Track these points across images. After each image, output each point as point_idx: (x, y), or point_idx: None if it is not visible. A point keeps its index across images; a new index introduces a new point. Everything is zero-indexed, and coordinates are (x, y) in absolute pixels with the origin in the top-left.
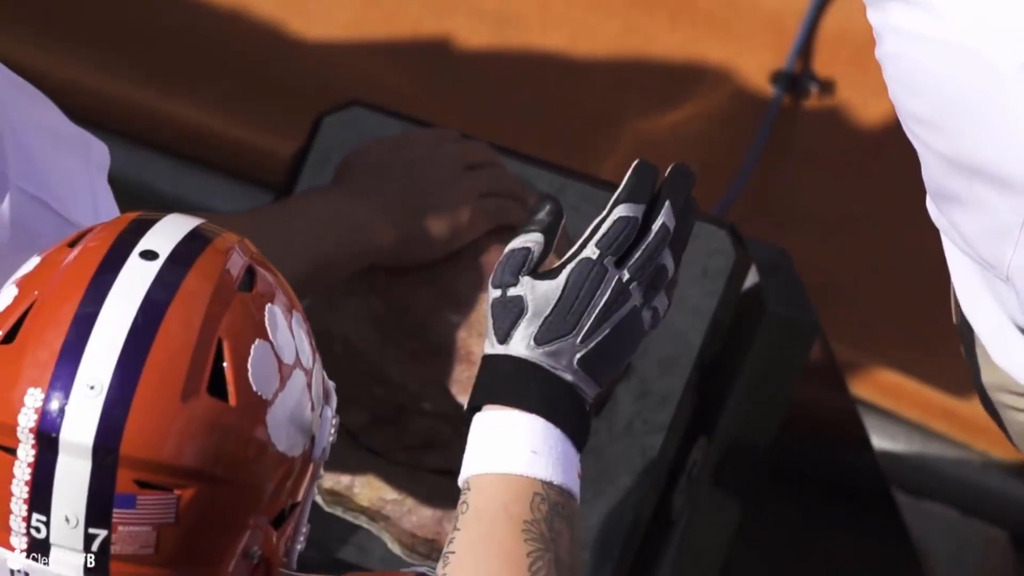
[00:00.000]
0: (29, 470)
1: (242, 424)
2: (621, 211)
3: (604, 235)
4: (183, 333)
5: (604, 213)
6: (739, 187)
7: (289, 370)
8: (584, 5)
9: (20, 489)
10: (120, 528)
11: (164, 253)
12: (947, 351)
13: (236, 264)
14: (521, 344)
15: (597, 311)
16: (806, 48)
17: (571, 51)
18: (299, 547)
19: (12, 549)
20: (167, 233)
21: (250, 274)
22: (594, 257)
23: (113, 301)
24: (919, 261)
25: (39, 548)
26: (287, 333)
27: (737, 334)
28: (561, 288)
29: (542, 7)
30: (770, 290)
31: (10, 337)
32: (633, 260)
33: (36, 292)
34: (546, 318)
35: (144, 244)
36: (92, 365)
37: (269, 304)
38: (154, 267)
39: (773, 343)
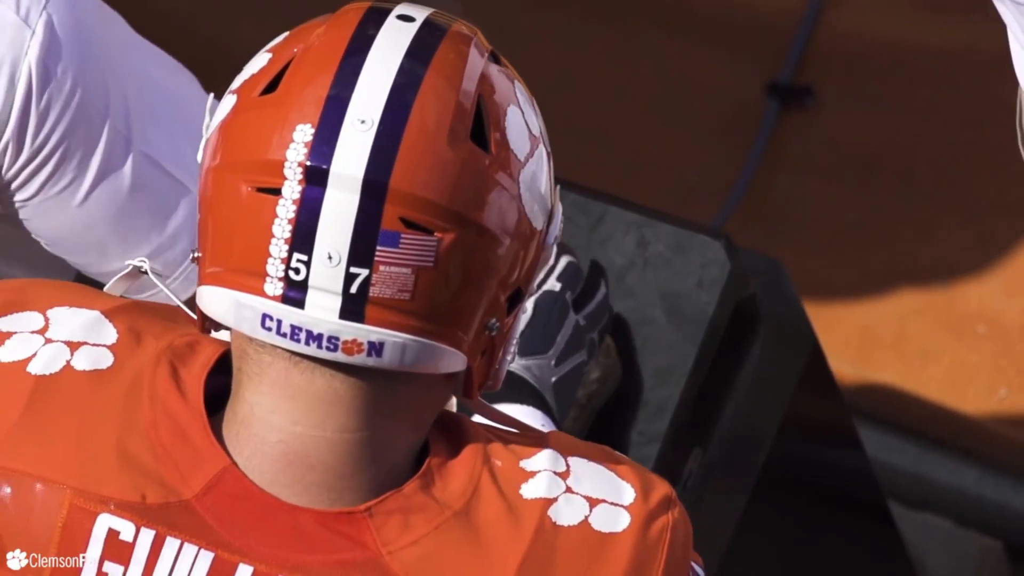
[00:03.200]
0: (294, 207)
1: (501, 176)
2: (568, 257)
3: (562, 271)
4: (447, 82)
5: (552, 261)
6: (736, 198)
7: (536, 142)
8: (579, 14)
9: (282, 229)
10: (381, 268)
11: (419, 19)
12: (942, 361)
13: (482, 42)
14: None
15: (566, 340)
16: (802, 59)
17: (566, 61)
18: (509, 359)
19: (266, 296)
20: (414, 8)
21: (494, 55)
22: (556, 290)
23: (378, 50)
24: (914, 270)
25: (296, 291)
26: (532, 111)
27: (732, 344)
28: (531, 311)
29: (537, 16)
30: (765, 300)
31: (272, 88)
32: (588, 308)
33: (295, 50)
34: (522, 333)
35: (398, 11)
36: (362, 102)
37: (517, 81)
38: (413, 26)
39: (768, 353)
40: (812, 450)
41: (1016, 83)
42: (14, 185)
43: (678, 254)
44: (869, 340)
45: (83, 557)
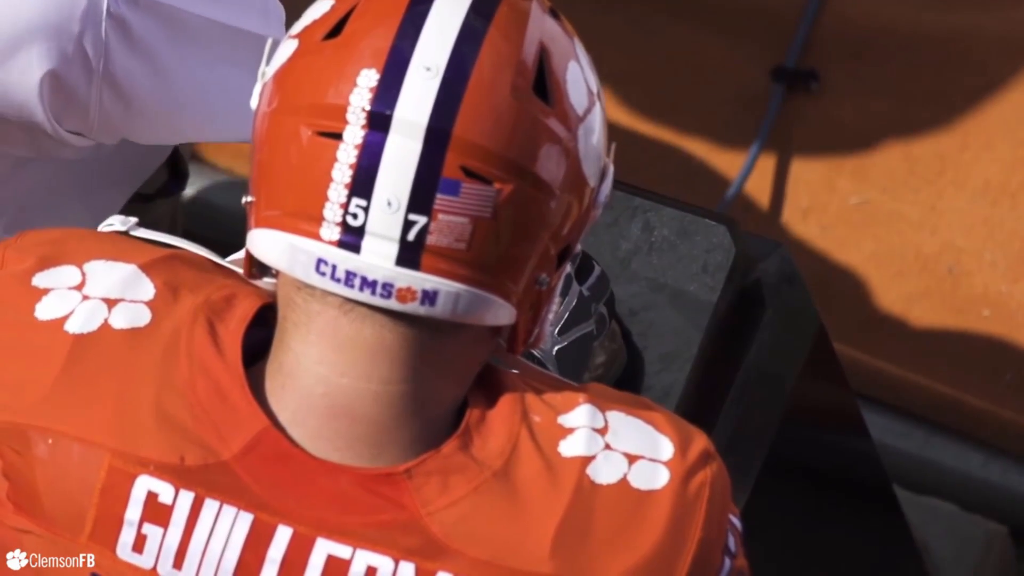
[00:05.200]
0: (355, 152)
1: (561, 130)
2: None
3: None
4: (510, 36)
5: None
6: (741, 182)
7: (593, 98)
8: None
9: (342, 173)
10: (440, 216)
11: None
12: (947, 345)
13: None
14: None
15: (569, 312)
16: (807, 44)
17: None
18: (551, 317)
19: (322, 240)
20: None
21: (553, 11)
22: None
23: (442, 1)
24: (919, 254)
25: (353, 236)
26: (589, 68)
27: (737, 329)
28: None
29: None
30: (770, 285)
31: (336, 32)
32: (589, 280)
33: None
34: None
35: None
36: (427, 49)
37: (574, 38)
38: None
39: (773, 338)
40: (817, 434)
41: (1021, 67)
42: (121, 107)
43: (683, 239)
44: (874, 324)
45: (123, 519)
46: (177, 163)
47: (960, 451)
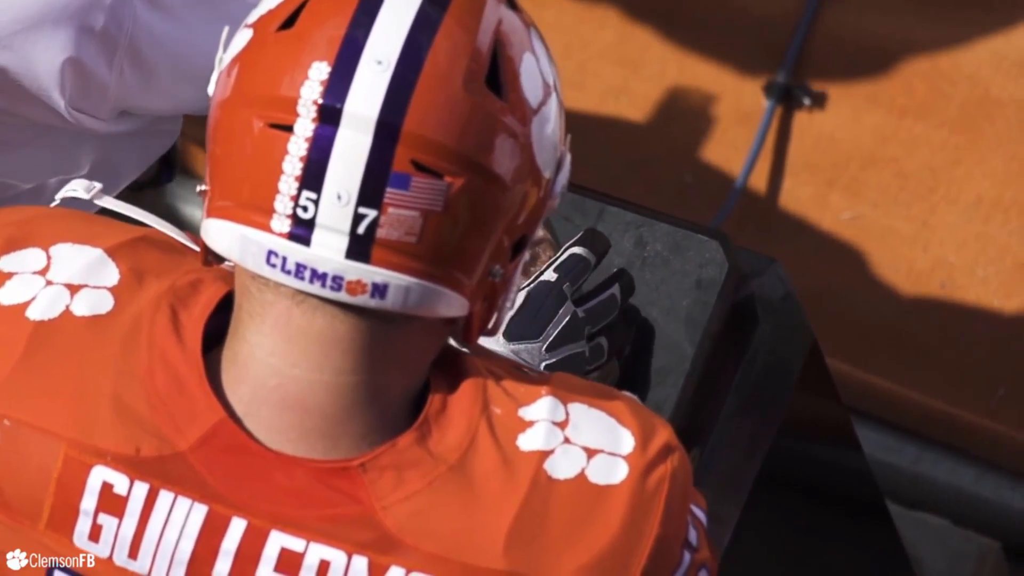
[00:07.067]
0: (306, 145)
1: (514, 122)
2: (575, 250)
3: (561, 263)
4: (464, 27)
5: (559, 252)
6: (734, 198)
7: (549, 90)
8: (576, 15)
9: (293, 166)
10: (390, 210)
11: None
12: (940, 360)
13: None
14: (490, 340)
15: (560, 328)
16: (799, 58)
17: (563, 62)
18: (508, 305)
19: (272, 232)
20: None
21: (510, 1)
22: (552, 280)
23: None
24: (911, 269)
25: (303, 228)
26: (546, 59)
27: (730, 345)
28: (523, 299)
29: (533, 14)
30: (763, 300)
31: (290, 23)
32: (589, 303)
33: None
34: (512, 318)
35: None
36: (379, 42)
37: (532, 28)
38: None
39: (766, 353)
40: (810, 449)
41: (1013, 81)
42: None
43: (676, 254)
44: (867, 339)
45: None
46: (169, 154)
47: (953, 466)
